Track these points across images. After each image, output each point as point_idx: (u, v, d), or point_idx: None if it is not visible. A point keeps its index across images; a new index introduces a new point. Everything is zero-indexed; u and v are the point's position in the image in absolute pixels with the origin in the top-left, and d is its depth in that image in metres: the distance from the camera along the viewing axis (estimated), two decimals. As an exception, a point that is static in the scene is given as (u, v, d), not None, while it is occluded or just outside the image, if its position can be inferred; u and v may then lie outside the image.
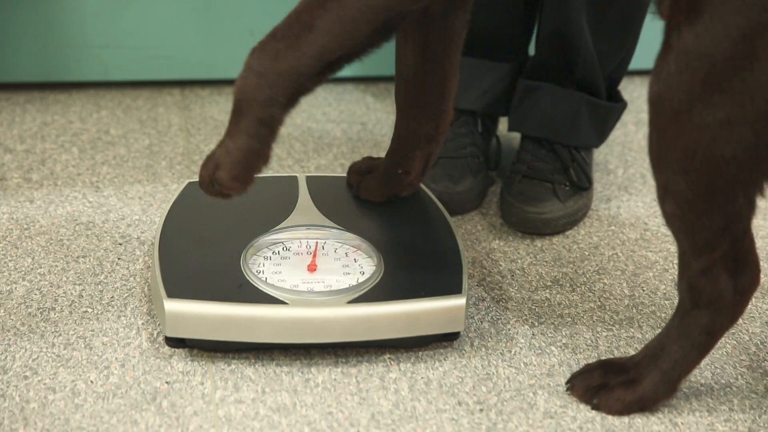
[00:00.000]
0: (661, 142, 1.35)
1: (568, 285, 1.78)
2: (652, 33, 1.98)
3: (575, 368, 1.59)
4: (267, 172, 2.03)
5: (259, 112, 1.46)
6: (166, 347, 1.59)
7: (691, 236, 1.40)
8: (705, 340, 1.47)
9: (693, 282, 1.43)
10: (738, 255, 1.42)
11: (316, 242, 1.69)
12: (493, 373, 1.58)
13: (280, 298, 1.56)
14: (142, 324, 1.64)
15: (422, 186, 1.81)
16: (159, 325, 1.63)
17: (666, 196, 1.38)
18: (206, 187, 1.52)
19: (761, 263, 1.48)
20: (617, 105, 1.99)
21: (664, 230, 1.93)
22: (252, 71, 1.46)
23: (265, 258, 1.65)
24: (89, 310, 1.67)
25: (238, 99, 1.47)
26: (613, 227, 1.94)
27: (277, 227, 1.70)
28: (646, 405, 1.50)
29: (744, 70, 1.28)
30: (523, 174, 1.94)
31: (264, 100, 1.45)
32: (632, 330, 1.68)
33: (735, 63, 1.28)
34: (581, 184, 1.94)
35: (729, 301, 1.44)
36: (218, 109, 2.26)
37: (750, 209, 1.38)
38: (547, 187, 1.92)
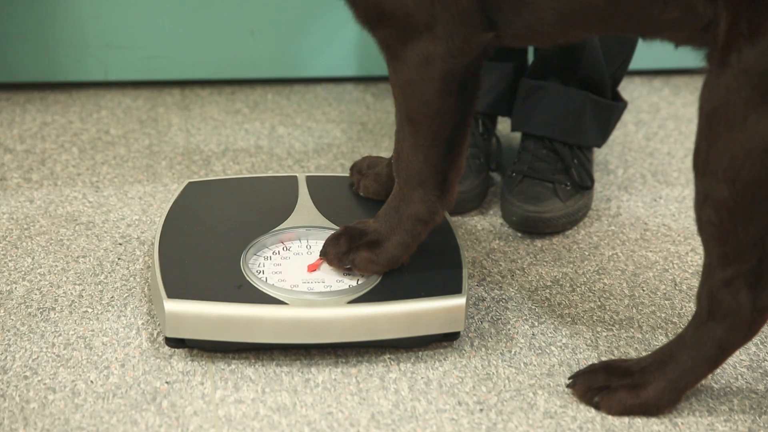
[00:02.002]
0: (710, 150, 1.38)
1: (568, 285, 1.78)
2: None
3: (575, 368, 1.59)
4: (267, 172, 2.03)
5: (418, 210, 1.60)
6: (166, 347, 1.59)
7: (723, 245, 1.41)
8: (716, 354, 1.47)
9: (714, 292, 1.44)
10: (762, 272, 1.43)
11: (317, 242, 1.69)
12: (493, 373, 1.58)
13: (280, 299, 1.56)
14: (142, 324, 1.64)
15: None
16: (159, 325, 1.63)
17: (705, 203, 1.40)
18: (336, 261, 1.62)
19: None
20: (619, 104, 1.99)
21: (664, 230, 1.93)
22: (398, 186, 1.60)
23: (265, 258, 1.65)
24: (89, 310, 1.67)
25: (395, 206, 1.61)
26: (613, 227, 1.94)
27: (277, 227, 1.70)
28: (648, 411, 1.50)
29: None
30: (524, 174, 1.94)
31: (419, 199, 1.59)
32: (632, 330, 1.68)
33: None
34: (583, 183, 1.94)
35: (746, 317, 1.44)
36: (218, 109, 2.26)
37: None
38: (548, 186, 1.92)
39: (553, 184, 1.92)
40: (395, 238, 1.60)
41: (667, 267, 1.83)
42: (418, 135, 1.56)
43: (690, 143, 2.19)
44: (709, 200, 1.40)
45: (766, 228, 1.40)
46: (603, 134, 1.99)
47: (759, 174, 1.36)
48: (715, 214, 1.40)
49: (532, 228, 1.90)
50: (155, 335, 1.62)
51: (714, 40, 1.39)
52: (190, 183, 1.81)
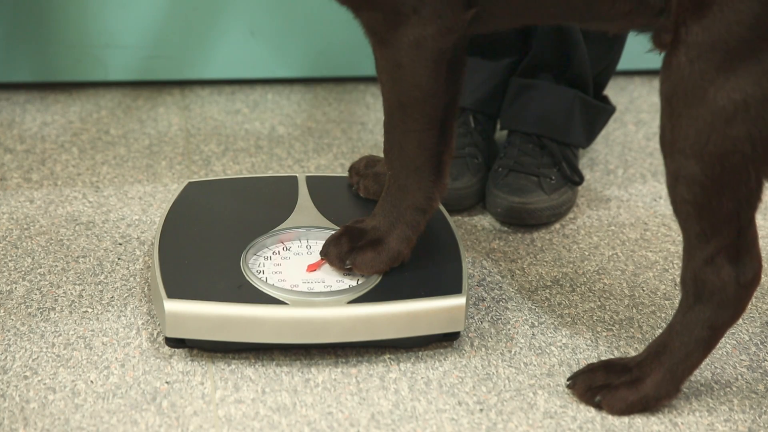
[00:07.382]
0: (674, 130, 1.40)
1: (568, 285, 1.78)
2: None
3: (575, 368, 1.59)
4: (267, 172, 2.03)
5: (416, 199, 1.59)
6: (166, 347, 1.59)
7: (700, 222, 1.42)
8: (708, 336, 1.47)
9: (697, 273, 1.44)
10: (741, 246, 1.43)
11: (317, 242, 1.69)
12: (493, 373, 1.58)
13: (280, 299, 1.56)
14: (142, 324, 1.64)
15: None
16: (159, 325, 1.63)
17: (677, 182, 1.41)
18: (338, 262, 1.61)
19: (762, 263, 1.48)
20: (608, 107, 2.00)
21: (664, 230, 1.93)
22: (392, 178, 1.59)
23: (265, 258, 1.65)
24: (89, 310, 1.67)
25: (390, 206, 1.60)
26: (613, 227, 1.94)
27: (277, 227, 1.70)
28: (649, 404, 1.50)
29: (761, 51, 1.35)
30: (510, 168, 1.95)
31: (416, 187, 1.58)
32: (632, 330, 1.68)
33: (750, 46, 1.35)
34: (573, 179, 1.95)
35: (731, 294, 1.44)
36: (218, 109, 2.26)
37: (759, 193, 1.42)
38: (533, 180, 1.93)
39: (538, 177, 1.93)
40: (396, 233, 1.60)
41: (667, 267, 1.83)
42: (410, 120, 1.54)
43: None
44: (680, 179, 1.41)
45: (741, 200, 1.41)
46: (589, 135, 2.00)
47: (725, 145, 1.37)
48: (688, 191, 1.41)
49: (517, 219, 1.90)
50: (155, 335, 1.62)
51: (667, 23, 1.40)
52: (190, 183, 1.81)
